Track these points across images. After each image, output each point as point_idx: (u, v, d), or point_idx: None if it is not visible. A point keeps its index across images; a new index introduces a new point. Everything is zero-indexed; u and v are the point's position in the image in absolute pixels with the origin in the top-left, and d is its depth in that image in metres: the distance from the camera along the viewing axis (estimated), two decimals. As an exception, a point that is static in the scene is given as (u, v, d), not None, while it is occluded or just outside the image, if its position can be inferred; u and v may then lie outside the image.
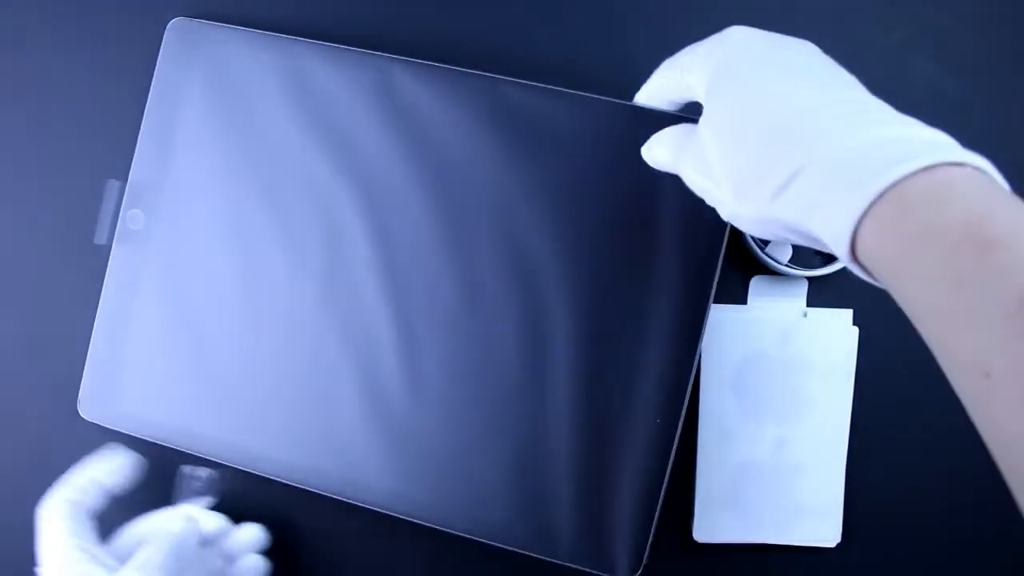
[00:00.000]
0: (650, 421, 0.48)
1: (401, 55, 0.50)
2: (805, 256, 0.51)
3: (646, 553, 0.48)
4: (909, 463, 0.52)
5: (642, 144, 0.43)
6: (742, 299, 0.52)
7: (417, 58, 0.50)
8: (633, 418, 0.48)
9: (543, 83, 0.49)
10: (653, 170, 0.43)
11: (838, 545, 0.51)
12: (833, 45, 0.52)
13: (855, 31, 0.53)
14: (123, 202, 0.52)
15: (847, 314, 0.51)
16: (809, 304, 0.52)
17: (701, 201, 0.38)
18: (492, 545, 0.49)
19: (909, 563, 0.52)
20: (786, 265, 0.50)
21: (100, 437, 0.51)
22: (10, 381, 0.53)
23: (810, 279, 0.51)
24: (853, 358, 0.51)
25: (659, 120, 0.44)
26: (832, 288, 0.52)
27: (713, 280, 0.47)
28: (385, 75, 0.50)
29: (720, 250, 0.47)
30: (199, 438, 0.50)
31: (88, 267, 0.52)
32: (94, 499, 0.46)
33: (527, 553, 0.49)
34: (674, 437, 0.48)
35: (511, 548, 0.49)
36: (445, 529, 0.49)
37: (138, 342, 0.51)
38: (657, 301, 0.48)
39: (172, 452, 0.51)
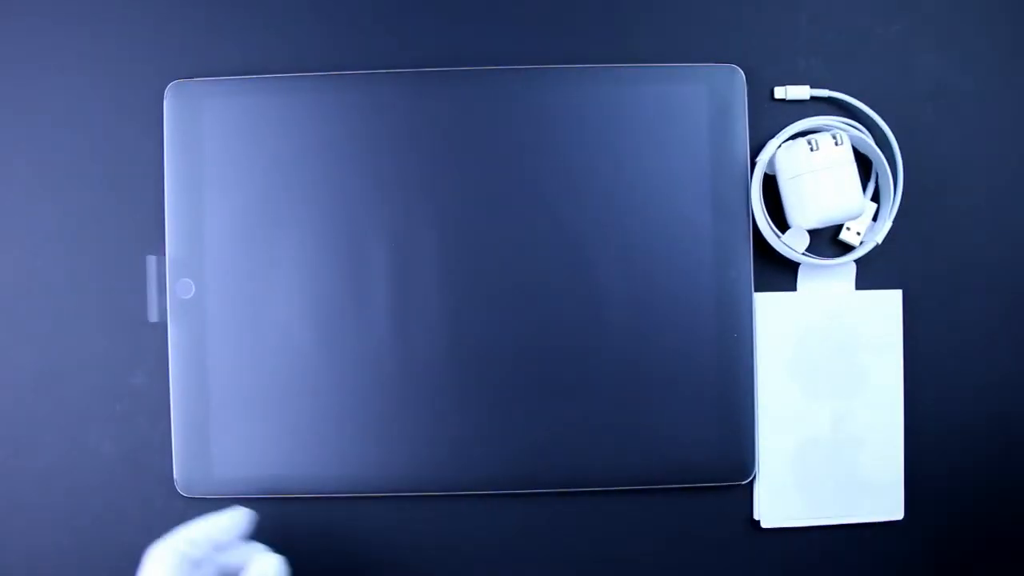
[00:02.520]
0: (728, 337, 0.52)
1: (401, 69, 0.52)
2: (820, 246, 0.53)
3: (756, 451, 0.52)
4: (969, 437, 0.54)
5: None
6: (792, 287, 0.53)
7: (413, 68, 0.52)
8: (711, 339, 0.52)
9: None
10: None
11: (903, 521, 0.53)
12: (834, 39, 0.53)
13: (856, 24, 0.53)
14: (168, 274, 0.52)
15: (895, 293, 0.53)
16: (858, 286, 0.53)
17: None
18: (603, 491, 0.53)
19: (974, 535, 0.54)
20: (803, 254, 0.51)
21: (203, 508, 0.52)
22: (107, 477, 0.54)
23: (824, 268, 0.53)
24: (900, 331, 0.53)
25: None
26: (880, 268, 0.53)
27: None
28: (397, 89, 0.52)
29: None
30: (298, 480, 0.52)
31: (147, 344, 0.53)
32: (203, 552, 0.46)
33: (654, 487, 0.53)
34: (752, 335, 0.52)
35: (634, 487, 0.53)
36: (557, 489, 0.53)
37: (219, 405, 0.52)
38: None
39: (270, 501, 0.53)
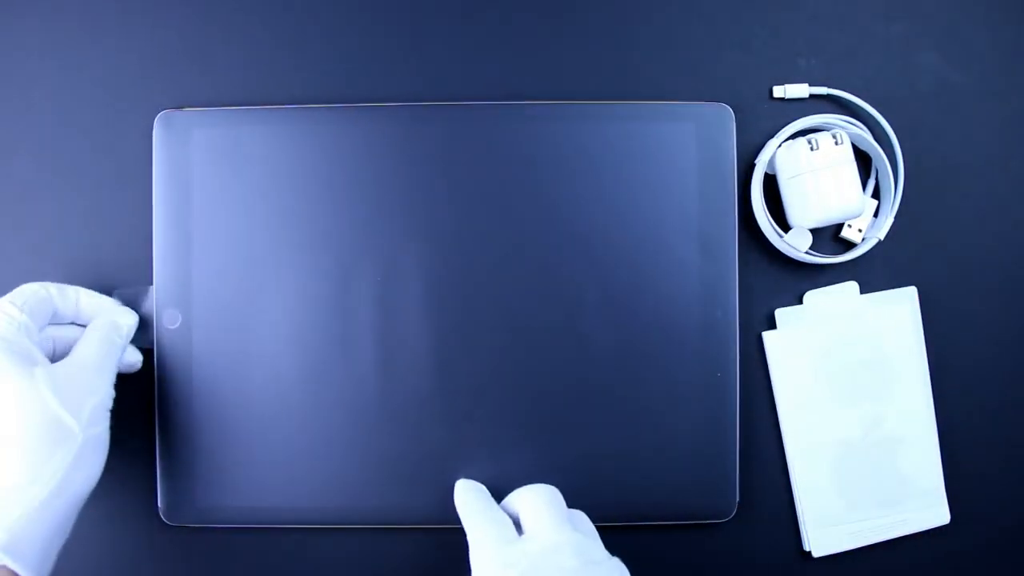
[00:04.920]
0: (712, 376, 0.51)
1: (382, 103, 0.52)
2: (822, 245, 0.52)
3: (737, 491, 0.51)
4: (1006, 433, 0.52)
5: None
6: (794, 289, 0.52)
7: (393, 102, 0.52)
8: (695, 378, 0.51)
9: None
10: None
11: (949, 527, 0.51)
12: (837, 39, 0.52)
13: (856, 24, 0.53)
14: (154, 304, 0.51)
15: (908, 291, 0.52)
16: (862, 288, 0.52)
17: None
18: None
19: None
20: (806, 253, 0.51)
21: (187, 537, 0.52)
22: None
23: (826, 266, 0.52)
24: (919, 325, 0.52)
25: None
26: (881, 267, 0.52)
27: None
28: (387, 123, 0.51)
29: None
30: (282, 511, 0.51)
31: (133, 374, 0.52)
32: (66, 304, 0.46)
33: (635, 524, 0.52)
34: (736, 375, 0.51)
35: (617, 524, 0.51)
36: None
37: (204, 435, 0.51)
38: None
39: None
